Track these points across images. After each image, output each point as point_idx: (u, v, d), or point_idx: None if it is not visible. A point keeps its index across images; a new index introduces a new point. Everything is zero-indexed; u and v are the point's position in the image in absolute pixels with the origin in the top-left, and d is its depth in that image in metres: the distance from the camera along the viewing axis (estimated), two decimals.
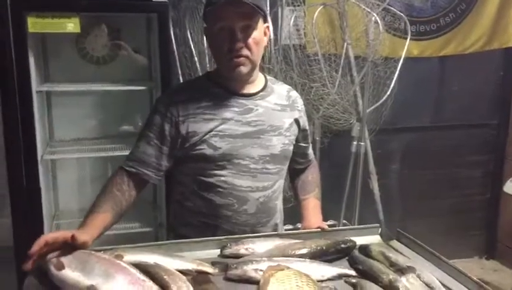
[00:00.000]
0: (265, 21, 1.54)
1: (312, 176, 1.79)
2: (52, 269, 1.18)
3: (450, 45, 3.31)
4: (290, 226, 1.73)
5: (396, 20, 2.96)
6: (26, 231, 2.14)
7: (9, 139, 2.16)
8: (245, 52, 1.47)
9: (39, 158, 2.29)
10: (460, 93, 3.43)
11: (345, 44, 2.68)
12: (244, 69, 1.49)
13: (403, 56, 2.72)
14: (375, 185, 3.02)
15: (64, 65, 2.57)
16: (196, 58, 2.46)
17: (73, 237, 1.22)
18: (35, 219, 2.20)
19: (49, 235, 1.21)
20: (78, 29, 2.17)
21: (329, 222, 2.91)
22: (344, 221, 2.89)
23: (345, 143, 2.85)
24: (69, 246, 1.23)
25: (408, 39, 2.72)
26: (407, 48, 2.93)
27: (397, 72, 2.70)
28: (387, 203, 3.10)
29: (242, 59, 1.47)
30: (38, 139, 2.30)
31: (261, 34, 1.50)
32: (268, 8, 2.57)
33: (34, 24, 2.11)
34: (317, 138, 2.79)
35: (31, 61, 2.22)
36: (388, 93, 2.71)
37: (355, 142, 2.76)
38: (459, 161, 3.53)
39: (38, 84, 2.36)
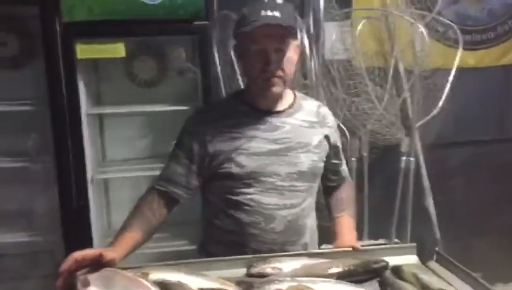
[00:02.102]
0: (296, 38, 1.54)
1: (346, 193, 1.75)
2: (79, 285, 1.22)
3: (510, 53, 3.13)
4: (329, 246, 1.68)
5: (448, 30, 2.85)
6: (76, 249, 2.21)
7: (60, 160, 2.27)
8: (279, 73, 1.48)
9: (89, 178, 2.39)
10: None
11: (393, 57, 2.61)
12: (277, 89, 1.50)
13: (454, 67, 2.59)
14: (430, 202, 2.90)
15: (115, 88, 2.67)
16: (239, 77, 2.47)
17: (100, 254, 1.26)
18: (84, 237, 2.28)
19: (78, 253, 1.25)
20: (123, 54, 2.25)
21: (380, 241, 2.83)
22: (396, 240, 2.78)
23: (395, 158, 2.75)
24: (98, 264, 1.27)
25: (460, 49, 2.60)
26: (462, 58, 2.81)
27: (449, 84, 2.58)
28: (446, 221, 2.96)
29: (276, 79, 1.48)
30: (89, 160, 2.40)
31: (293, 54, 1.50)
32: (311, 24, 2.57)
33: (82, 50, 2.21)
34: (365, 154, 2.71)
35: (81, 85, 2.33)
36: (439, 106, 2.59)
37: (404, 158, 2.66)
38: None
39: (89, 107, 2.47)
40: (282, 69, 1.48)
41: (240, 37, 1.53)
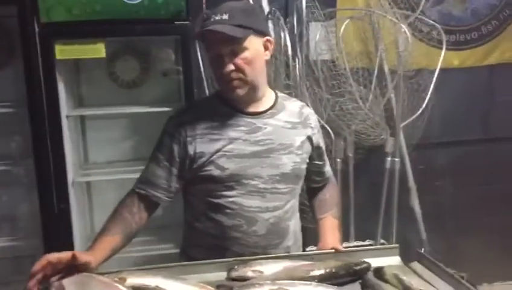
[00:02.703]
0: (264, 35, 1.50)
1: (330, 194, 1.74)
2: None
3: (494, 53, 3.14)
4: (314, 248, 1.67)
5: (433, 31, 2.85)
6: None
7: (40, 163, 2.23)
8: (236, 75, 1.45)
9: (70, 181, 2.35)
10: (508, 104, 3.24)
11: (378, 57, 2.60)
12: (240, 92, 1.48)
13: (438, 67, 2.59)
14: (415, 203, 2.89)
15: (97, 90, 2.64)
16: None
17: (73, 256, 1.23)
18: (65, 241, 2.25)
19: (52, 255, 1.23)
20: (103, 54, 2.22)
21: (367, 242, 2.82)
22: (382, 241, 2.78)
23: (380, 159, 2.75)
24: (74, 268, 1.25)
25: (443, 49, 2.60)
26: (446, 58, 2.82)
27: (432, 84, 2.58)
28: (431, 222, 2.96)
29: (235, 82, 1.46)
30: (70, 163, 2.36)
31: (254, 52, 1.46)
32: (295, 24, 2.55)
33: (62, 51, 2.18)
34: (350, 155, 2.71)
35: (61, 86, 2.29)
36: (423, 106, 2.59)
37: (389, 158, 2.65)
38: (508, 176, 3.31)
39: (70, 109, 2.43)
40: (241, 71, 1.45)
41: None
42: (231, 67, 1.44)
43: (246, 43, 1.44)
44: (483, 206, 3.26)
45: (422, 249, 2.73)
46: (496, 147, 3.27)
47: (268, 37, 1.52)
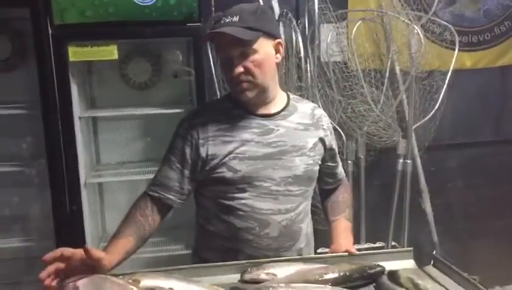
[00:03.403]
0: (275, 37, 1.50)
1: (343, 196, 1.73)
2: None
3: (507, 54, 3.11)
4: (326, 249, 1.66)
5: (445, 32, 2.83)
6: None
7: (53, 164, 2.24)
8: (245, 77, 1.45)
9: (83, 182, 2.37)
10: None
11: (389, 58, 2.59)
12: (250, 94, 1.47)
13: (451, 68, 2.57)
14: (427, 205, 2.89)
15: (109, 91, 2.65)
16: None
17: (85, 250, 1.24)
18: (77, 241, 2.26)
19: (66, 249, 1.25)
20: (116, 56, 2.24)
21: (378, 244, 2.81)
22: (394, 243, 2.76)
23: (391, 161, 2.74)
24: (87, 265, 1.26)
25: (456, 50, 2.58)
26: (459, 59, 2.80)
27: (445, 86, 2.56)
28: (443, 224, 2.95)
29: (245, 84, 1.45)
30: (82, 164, 2.38)
31: (263, 55, 1.46)
32: (306, 25, 2.55)
33: (75, 53, 2.20)
34: (361, 156, 2.69)
35: (74, 88, 2.31)
36: (436, 108, 2.58)
37: (401, 160, 2.64)
38: None
39: (82, 111, 2.44)
40: (251, 74, 1.45)
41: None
42: (240, 69, 1.43)
43: (256, 46, 1.44)
44: (495, 208, 3.23)
45: (434, 252, 2.72)
46: (508, 149, 3.24)
47: (279, 40, 1.52)
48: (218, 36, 1.44)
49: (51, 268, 1.21)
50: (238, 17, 1.43)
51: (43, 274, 1.20)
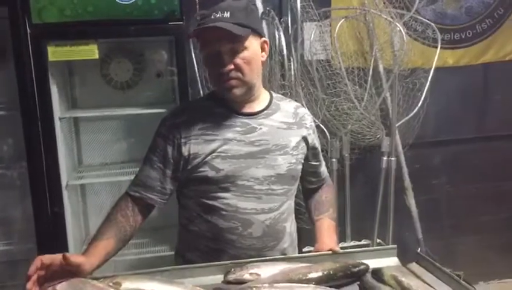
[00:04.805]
0: (261, 36, 1.49)
1: (326, 195, 1.72)
2: None
3: (489, 52, 3.14)
4: (311, 248, 1.65)
5: (427, 30, 2.84)
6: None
7: (33, 166, 2.20)
8: (235, 74, 1.43)
9: (64, 184, 2.33)
10: (504, 103, 3.24)
11: (373, 56, 2.60)
12: (237, 91, 1.46)
13: (433, 66, 2.59)
14: (411, 202, 2.89)
15: (91, 92, 2.62)
16: None
17: (64, 256, 1.22)
18: (60, 244, 2.22)
19: (45, 256, 1.23)
20: (96, 56, 2.20)
21: (363, 242, 2.81)
22: (379, 240, 2.77)
23: (376, 158, 2.74)
24: (67, 271, 1.23)
25: (438, 48, 2.59)
26: (441, 57, 2.81)
27: (428, 83, 2.57)
28: (427, 220, 2.96)
29: (233, 81, 1.44)
30: (63, 165, 2.34)
31: (252, 52, 1.45)
32: (289, 24, 2.54)
33: (54, 52, 2.16)
34: (346, 154, 2.69)
35: (54, 89, 2.27)
36: (419, 105, 2.59)
37: (385, 158, 2.65)
38: (504, 174, 3.31)
39: (63, 111, 2.41)
40: (240, 70, 1.43)
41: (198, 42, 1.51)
42: (231, 66, 1.42)
43: (247, 43, 1.43)
44: (479, 204, 3.26)
45: (419, 249, 2.73)
46: (491, 145, 3.27)
47: (264, 38, 1.51)
48: (209, 31, 1.41)
49: (34, 277, 1.19)
50: (229, 12, 1.41)
51: (29, 285, 1.18)
